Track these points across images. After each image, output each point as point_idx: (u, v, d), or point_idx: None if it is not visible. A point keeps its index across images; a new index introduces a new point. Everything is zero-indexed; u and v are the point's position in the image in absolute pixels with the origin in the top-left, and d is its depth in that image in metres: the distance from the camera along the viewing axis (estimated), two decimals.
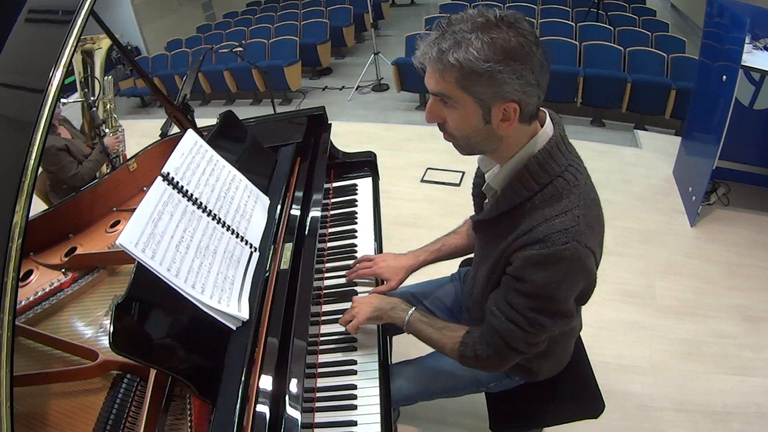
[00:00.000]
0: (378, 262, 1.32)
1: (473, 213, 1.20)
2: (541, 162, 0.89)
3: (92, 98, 2.57)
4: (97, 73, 2.56)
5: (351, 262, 1.41)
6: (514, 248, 0.91)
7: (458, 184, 3.11)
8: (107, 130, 2.59)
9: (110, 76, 2.62)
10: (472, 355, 1.04)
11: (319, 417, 1.05)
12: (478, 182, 1.10)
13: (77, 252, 1.40)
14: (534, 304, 0.92)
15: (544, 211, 0.89)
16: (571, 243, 0.85)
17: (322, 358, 1.18)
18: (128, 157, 1.69)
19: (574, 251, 0.85)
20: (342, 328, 1.19)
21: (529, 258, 0.88)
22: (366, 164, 1.73)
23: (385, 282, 1.30)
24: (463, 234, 1.35)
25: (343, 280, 1.36)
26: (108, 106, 2.67)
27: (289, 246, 1.24)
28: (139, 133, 3.36)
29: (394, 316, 1.15)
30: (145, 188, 1.59)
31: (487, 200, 1.04)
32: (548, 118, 0.93)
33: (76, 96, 2.53)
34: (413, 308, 1.15)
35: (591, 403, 1.27)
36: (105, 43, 2.62)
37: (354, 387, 1.10)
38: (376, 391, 1.09)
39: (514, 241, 0.91)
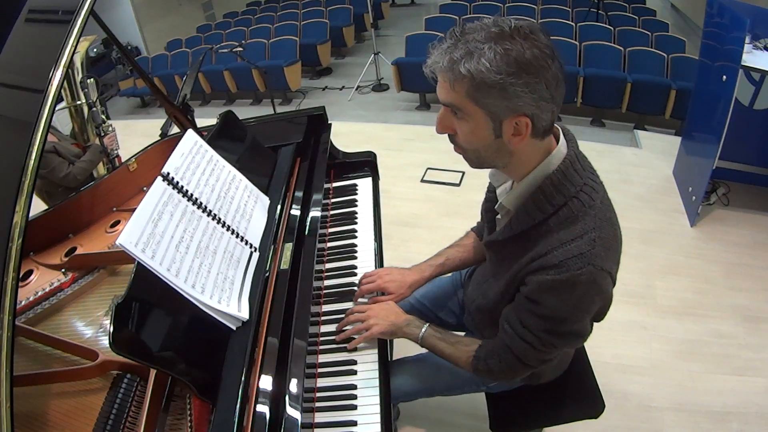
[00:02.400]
0: (383, 276, 1.29)
1: (478, 217, 1.19)
2: (556, 183, 0.87)
3: (91, 99, 2.57)
4: (80, 75, 2.55)
5: (351, 262, 1.41)
6: (529, 271, 0.90)
7: (458, 184, 3.11)
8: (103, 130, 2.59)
9: (92, 79, 2.62)
10: (484, 368, 1.04)
11: (319, 417, 1.05)
12: (490, 197, 1.08)
13: (77, 252, 1.40)
14: (548, 326, 0.91)
15: (559, 234, 0.87)
16: (586, 268, 0.83)
17: (322, 358, 1.18)
18: (126, 156, 1.69)
19: (590, 276, 0.84)
20: (342, 328, 1.19)
21: (543, 282, 0.87)
22: (366, 164, 1.73)
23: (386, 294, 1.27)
24: (466, 247, 1.32)
25: (343, 281, 1.36)
26: (97, 106, 2.66)
27: (289, 246, 1.24)
28: (139, 133, 3.37)
29: (408, 333, 1.15)
30: (145, 188, 1.59)
31: (498, 216, 1.02)
32: (561, 134, 0.91)
33: (63, 104, 2.53)
34: (427, 324, 1.14)
35: (591, 404, 1.27)
36: (82, 45, 2.62)
37: (354, 387, 1.10)
38: (376, 391, 1.09)
39: (528, 263, 0.90)
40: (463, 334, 1.18)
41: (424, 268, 1.32)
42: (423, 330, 1.13)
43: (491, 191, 1.08)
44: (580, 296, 0.87)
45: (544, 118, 0.81)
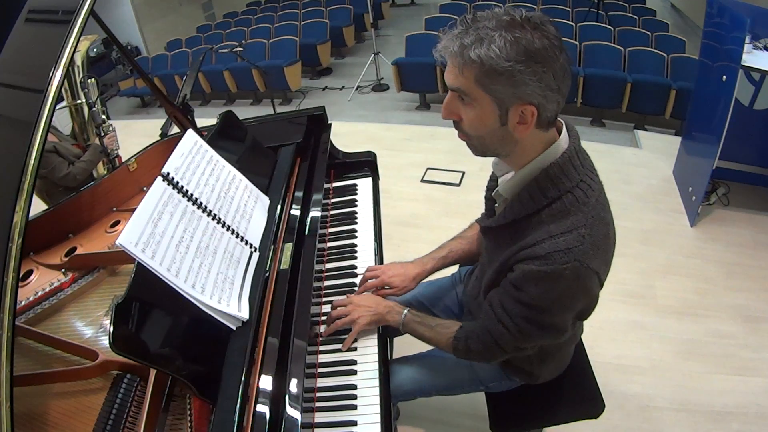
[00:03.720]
0: (386, 271, 1.30)
1: (479, 215, 1.20)
2: (552, 176, 0.88)
3: (92, 99, 2.57)
4: (80, 74, 2.55)
5: (351, 262, 1.41)
6: (517, 259, 0.91)
7: (458, 184, 3.11)
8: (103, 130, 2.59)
9: (92, 79, 2.62)
10: (463, 348, 1.06)
11: (319, 417, 1.05)
12: (492, 186, 1.09)
13: (77, 252, 1.40)
14: (526, 314, 0.92)
15: (549, 227, 0.87)
16: (572, 263, 0.84)
17: (322, 358, 1.18)
18: (126, 156, 1.69)
19: (574, 271, 0.85)
20: (341, 329, 1.19)
21: (528, 272, 0.88)
22: (366, 164, 1.73)
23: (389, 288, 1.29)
24: (470, 239, 1.32)
25: (343, 281, 1.36)
26: (97, 106, 2.66)
27: (289, 246, 1.24)
28: (139, 133, 3.37)
29: (391, 320, 1.17)
30: (145, 188, 1.59)
31: (497, 205, 1.04)
32: (564, 128, 0.92)
33: (63, 103, 2.54)
34: (407, 309, 1.17)
35: (591, 404, 1.27)
36: (83, 45, 2.62)
37: (354, 387, 1.10)
38: (376, 391, 1.09)
39: (517, 252, 0.91)
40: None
41: (426, 260, 1.32)
42: (403, 315, 1.16)
43: (493, 180, 1.10)
44: (562, 290, 0.87)
45: (549, 109, 0.82)
